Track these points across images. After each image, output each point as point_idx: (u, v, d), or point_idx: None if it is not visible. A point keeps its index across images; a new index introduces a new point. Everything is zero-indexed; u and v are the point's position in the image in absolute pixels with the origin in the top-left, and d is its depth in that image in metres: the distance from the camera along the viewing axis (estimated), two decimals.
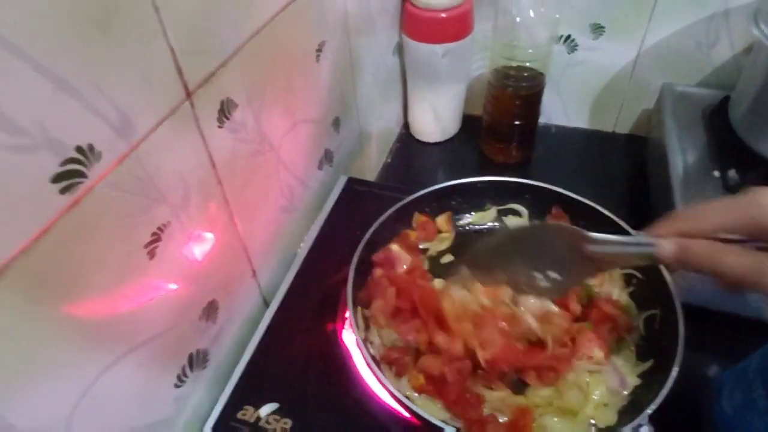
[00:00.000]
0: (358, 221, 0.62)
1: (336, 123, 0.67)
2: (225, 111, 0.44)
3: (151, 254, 0.38)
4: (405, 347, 0.48)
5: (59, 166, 0.30)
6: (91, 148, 0.31)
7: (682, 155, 0.68)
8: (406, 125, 0.94)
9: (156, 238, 0.38)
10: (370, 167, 0.84)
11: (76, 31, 0.29)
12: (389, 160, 0.89)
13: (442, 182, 0.86)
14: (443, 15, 0.75)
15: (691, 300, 0.50)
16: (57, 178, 0.29)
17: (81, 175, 0.31)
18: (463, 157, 0.89)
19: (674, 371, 0.43)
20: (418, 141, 0.92)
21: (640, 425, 0.41)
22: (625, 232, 0.52)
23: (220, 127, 0.43)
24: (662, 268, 0.49)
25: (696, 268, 0.35)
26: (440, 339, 0.46)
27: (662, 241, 0.37)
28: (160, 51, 0.35)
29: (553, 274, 0.45)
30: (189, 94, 0.39)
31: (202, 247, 0.44)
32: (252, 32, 0.45)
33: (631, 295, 0.53)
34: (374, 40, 0.73)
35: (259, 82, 0.48)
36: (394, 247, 0.55)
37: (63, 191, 0.30)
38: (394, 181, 0.86)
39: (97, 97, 0.31)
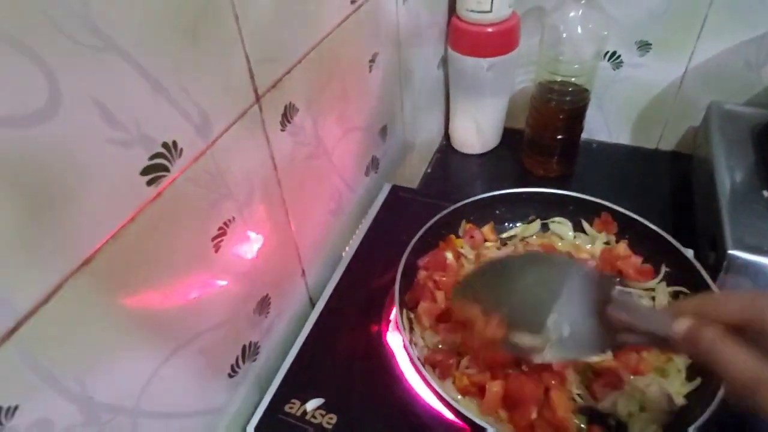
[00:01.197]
0: (401, 227, 0.63)
1: (383, 131, 0.69)
2: (288, 115, 0.46)
3: (217, 247, 0.41)
4: (449, 350, 0.49)
5: (148, 160, 0.32)
6: (175, 144, 0.34)
7: (730, 174, 0.68)
8: (446, 136, 0.96)
9: (222, 232, 0.41)
10: (412, 176, 0.85)
11: (171, 37, 0.32)
12: (429, 170, 0.91)
13: (481, 194, 0.87)
14: (490, 30, 0.77)
15: None
16: (145, 171, 0.32)
17: (165, 169, 0.34)
18: (502, 170, 0.90)
19: (722, 391, 0.42)
20: (459, 152, 0.93)
21: None
22: (672, 247, 0.52)
23: (282, 130, 0.46)
24: (710, 282, 0.49)
25: (701, 358, 0.32)
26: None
27: (680, 319, 0.33)
28: (237, 58, 0.38)
29: (565, 326, 0.41)
30: (258, 99, 0.42)
31: (259, 243, 0.46)
32: (315, 42, 0.47)
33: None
34: (422, 52, 0.76)
35: (318, 89, 0.50)
36: (445, 253, 0.56)
37: (149, 183, 0.33)
38: (433, 191, 0.87)
39: (183, 97, 0.34)
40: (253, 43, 0.39)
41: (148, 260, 0.34)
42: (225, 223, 0.41)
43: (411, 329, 0.52)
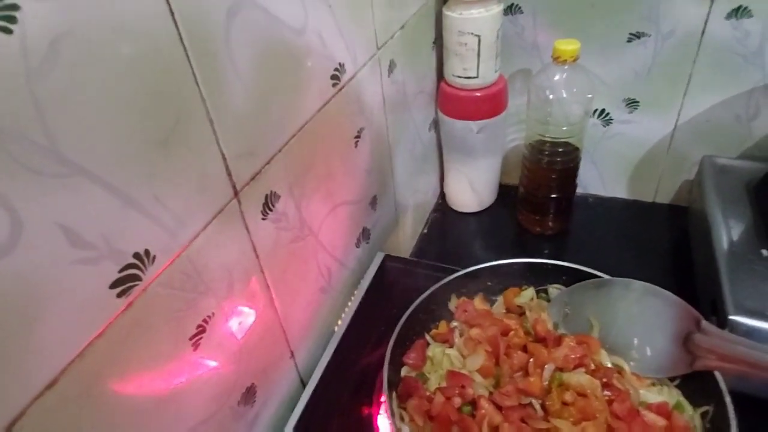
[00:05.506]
0: (393, 299, 0.63)
1: (374, 201, 0.69)
2: (269, 204, 0.46)
3: (196, 345, 0.40)
4: None
5: (118, 273, 0.32)
6: (147, 253, 0.34)
7: (727, 231, 0.67)
8: (442, 195, 0.96)
9: (201, 330, 0.40)
10: (406, 239, 0.85)
11: (142, 151, 0.32)
12: (426, 231, 0.91)
13: (478, 254, 0.86)
14: (477, 94, 0.78)
15: (744, 389, 0.48)
16: (115, 284, 0.32)
17: (137, 278, 0.33)
18: (499, 227, 0.90)
19: None
20: (455, 211, 0.93)
21: None
22: None
23: (263, 219, 0.46)
24: None
25: None
26: None
27: None
28: (212, 158, 0.38)
29: (649, 350, 0.49)
30: (236, 193, 0.42)
31: (242, 334, 0.46)
32: (295, 130, 0.48)
33: (682, 388, 0.49)
34: (410, 118, 0.77)
35: (301, 173, 0.51)
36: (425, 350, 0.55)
37: (119, 295, 0.32)
38: (430, 252, 0.87)
39: (155, 206, 0.34)
40: (229, 141, 0.40)
41: (121, 370, 0.34)
42: (204, 320, 0.40)
43: (402, 417, 0.50)
